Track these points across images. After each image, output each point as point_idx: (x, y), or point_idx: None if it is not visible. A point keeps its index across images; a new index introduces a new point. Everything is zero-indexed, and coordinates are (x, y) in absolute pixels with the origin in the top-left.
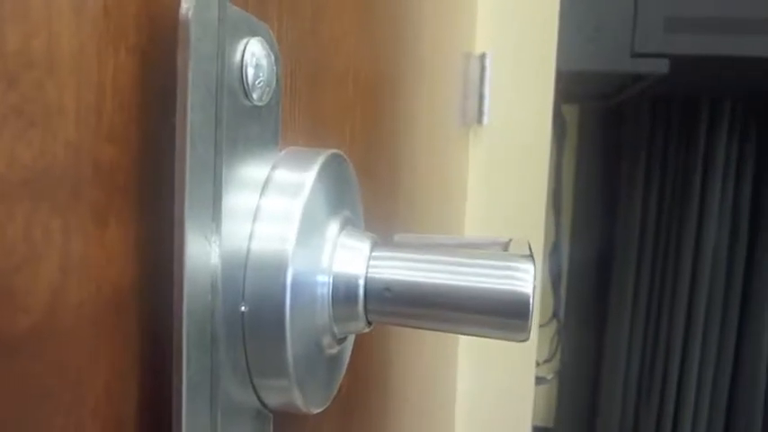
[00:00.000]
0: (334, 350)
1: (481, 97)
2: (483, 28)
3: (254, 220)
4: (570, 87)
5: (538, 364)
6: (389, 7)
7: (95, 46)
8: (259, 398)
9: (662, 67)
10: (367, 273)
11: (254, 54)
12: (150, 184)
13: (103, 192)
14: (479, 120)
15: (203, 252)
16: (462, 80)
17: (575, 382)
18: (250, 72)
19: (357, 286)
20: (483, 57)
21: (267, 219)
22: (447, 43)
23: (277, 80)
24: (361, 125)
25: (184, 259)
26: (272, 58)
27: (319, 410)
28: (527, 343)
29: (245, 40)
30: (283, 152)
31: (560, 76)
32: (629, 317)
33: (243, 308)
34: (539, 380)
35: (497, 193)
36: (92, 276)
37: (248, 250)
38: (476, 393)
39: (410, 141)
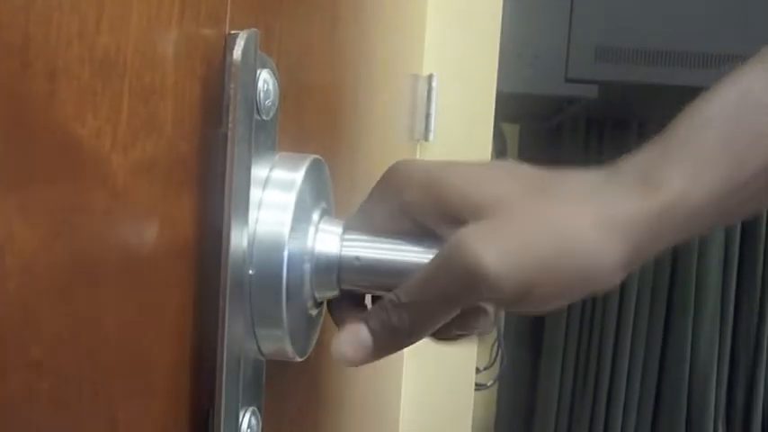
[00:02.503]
0: (314, 312)
1: (428, 115)
2: (430, 51)
3: (259, 208)
4: (511, 107)
5: (478, 371)
6: (350, 34)
7: (182, 78)
8: (258, 345)
9: (592, 92)
10: (341, 250)
11: (265, 81)
12: (205, 171)
13: (182, 173)
14: (426, 137)
15: (241, 226)
16: (411, 99)
17: (513, 389)
18: (263, 95)
19: (333, 260)
20: (430, 78)
21: (269, 207)
22: (398, 65)
23: (278, 101)
24: (330, 136)
25: (231, 231)
26: (276, 84)
27: (302, 359)
28: (468, 351)
29: (259, 71)
30: (278, 156)
31: (501, 97)
32: (564, 324)
33: (251, 271)
34: (479, 386)
35: None
36: (172, 229)
37: (255, 231)
38: (419, 399)
39: (366, 152)
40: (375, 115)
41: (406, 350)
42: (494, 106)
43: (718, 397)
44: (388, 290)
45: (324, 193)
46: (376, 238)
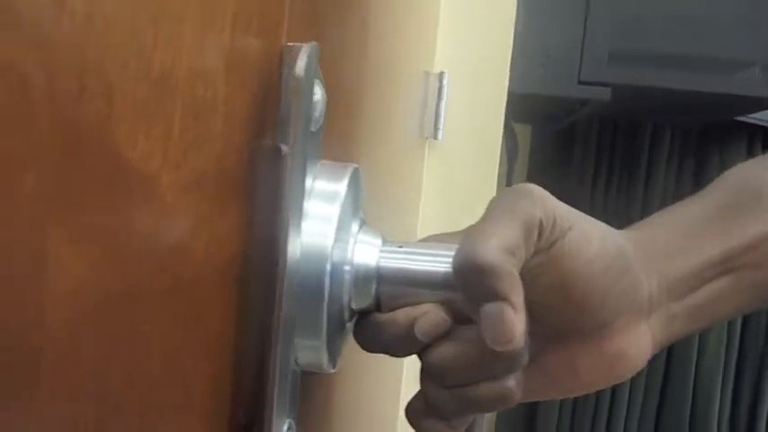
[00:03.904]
0: (348, 324)
1: (438, 114)
2: (443, 49)
3: (304, 218)
4: (522, 108)
5: None
6: (372, 34)
7: (233, 92)
8: (296, 356)
9: (605, 94)
10: (379, 262)
11: (317, 94)
12: (253, 184)
13: (230, 187)
14: (435, 135)
15: (295, 239)
16: (422, 97)
17: None
18: (316, 108)
19: (372, 271)
20: (441, 75)
21: (313, 218)
22: (410, 62)
23: (324, 113)
24: (349, 138)
25: (288, 244)
26: (324, 95)
27: (333, 371)
28: None
29: (314, 85)
30: (319, 165)
31: (513, 97)
32: None
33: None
34: None
35: (449, 203)
36: (217, 245)
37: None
38: None
39: (375, 150)
40: (385, 113)
41: (405, 364)
42: (504, 106)
43: (721, 409)
44: (425, 301)
45: (360, 202)
46: (414, 250)
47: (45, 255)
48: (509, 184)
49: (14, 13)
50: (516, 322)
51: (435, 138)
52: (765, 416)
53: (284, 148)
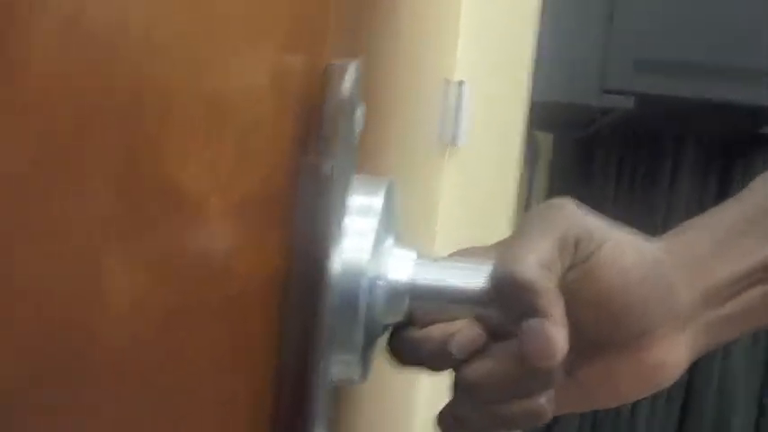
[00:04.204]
0: (380, 338)
1: (457, 121)
2: (464, 57)
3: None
4: (544, 116)
5: None
6: (394, 44)
7: (280, 112)
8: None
9: (628, 103)
10: (413, 277)
11: (358, 112)
12: (297, 201)
13: (275, 205)
14: (455, 142)
15: (336, 255)
16: (442, 104)
17: None
18: (358, 125)
19: (406, 286)
20: (461, 84)
21: (350, 234)
22: (431, 70)
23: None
24: (375, 149)
25: (331, 261)
26: (364, 110)
27: (364, 383)
28: None
29: (357, 103)
30: (354, 178)
31: (535, 105)
32: None
33: None
34: None
35: (468, 210)
36: (263, 262)
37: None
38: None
39: (395, 157)
40: (409, 121)
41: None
42: (525, 114)
43: (746, 414)
44: (459, 317)
45: (396, 215)
46: (449, 264)
47: (100, 273)
48: (529, 192)
49: (80, 33)
50: (558, 337)
51: (455, 145)
52: None
53: (326, 165)
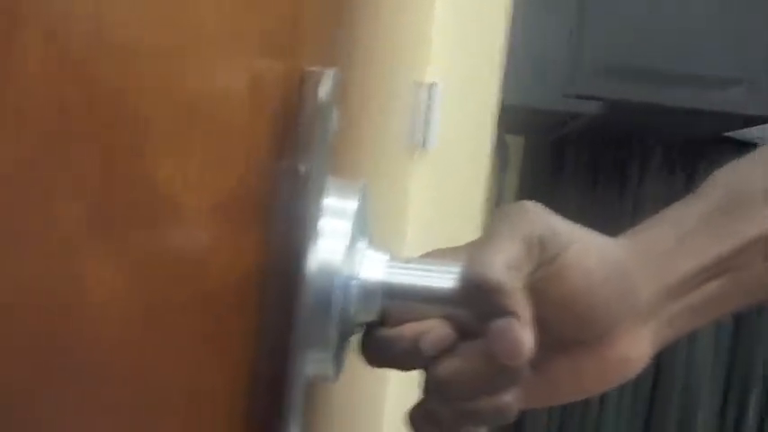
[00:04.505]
0: (352, 337)
1: (427, 124)
2: (434, 59)
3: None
4: (515, 119)
5: None
6: (365, 44)
7: (254, 116)
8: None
9: (596, 108)
10: (385, 277)
11: (334, 115)
12: (273, 204)
13: (251, 207)
14: (425, 144)
15: (312, 256)
16: (413, 106)
17: None
18: (332, 129)
19: (378, 286)
20: (432, 86)
21: (325, 236)
22: (401, 72)
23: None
24: (346, 152)
25: (306, 262)
26: (338, 114)
27: (336, 382)
28: None
29: (333, 109)
30: (328, 180)
31: (505, 109)
32: None
33: None
34: None
35: (438, 211)
36: (239, 262)
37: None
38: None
39: (363, 159)
40: (380, 124)
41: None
42: (495, 117)
43: (709, 410)
44: (430, 316)
45: (369, 218)
46: (420, 266)
47: (81, 273)
48: (500, 194)
49: (58, 43)
50: (525, 336)
51: (425, 147)
52: (751, 418)
53: (302, 168)
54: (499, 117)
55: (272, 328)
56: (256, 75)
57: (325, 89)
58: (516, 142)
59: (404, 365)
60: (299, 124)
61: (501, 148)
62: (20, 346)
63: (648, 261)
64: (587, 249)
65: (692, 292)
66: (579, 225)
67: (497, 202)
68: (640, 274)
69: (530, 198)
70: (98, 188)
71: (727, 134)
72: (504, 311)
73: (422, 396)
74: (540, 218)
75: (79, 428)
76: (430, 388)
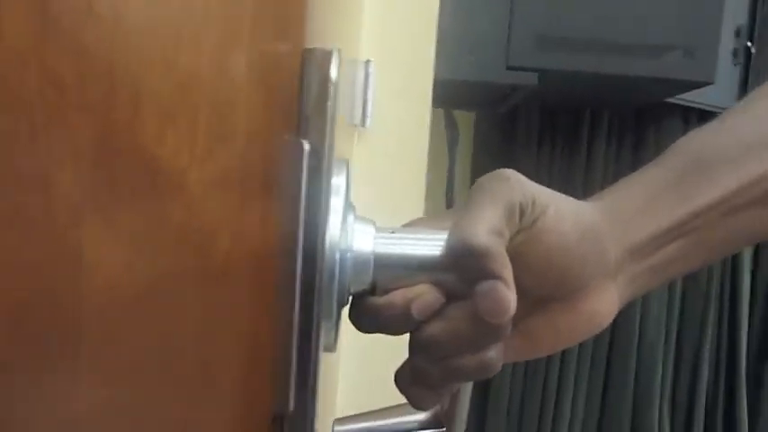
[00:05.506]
0: (346, 307)
1: (365, 101)
2: (368, 36)
3: None
4: (461, 95)
5: None
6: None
7: (254, 91)
8: None
9: (531, 80)
10: (375, 249)
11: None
12: (277, 179)
13: (255, 182)
14: (363, 122)
15: (322, 230)
16: (350, 84)
17: None
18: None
19: (369, 257)
20: (367, 63)
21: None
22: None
23: None
24: None
25: (324, 233)
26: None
27: (334, 351)
28: None
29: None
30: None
31: (443, 84)
32: None
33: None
34: None
35: (378, 189)
36: (245, 236)
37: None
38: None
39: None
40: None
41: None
42: (431, 93)
43: (663, 380)
44: (418, 283)
45: (350, 192)
46: (406, 235)
47: (81, 248)
48: (451, 170)
49: (48, 18)
50: (509, 296)
51: (364, 125)
52: (704, 388)
53: (306, 144)
54: (441, 93)
55: (286, 304)
56: (255, 50)
57: (335, 68)
58: (467, 118)
59: (394, 330)
60: (304, 102)
61: (449, 125)
62: (20, 316)
63: (615, 223)
64: (563, 213)
65: (655, 253)
66: (554, 191)
67: (449, 179)
68: (609, 235)
69: (483, 173)
70: (94, 159)
71: (672, 101)
72: (490, 274)
73: (410, 357)
74: (519, 185)
75: (87, 399)
76: (418, 349)
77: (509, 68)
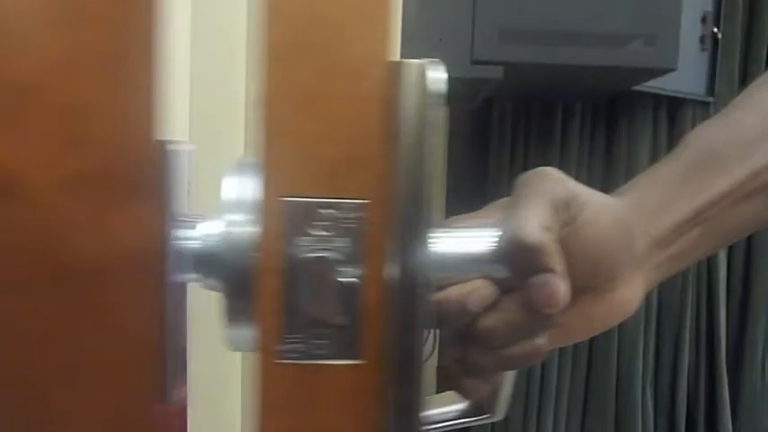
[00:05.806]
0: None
1: None
2: None
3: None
4: None
5: None
6: None
7: (107, 97)
8: None
9: (498, 73)
10: (431, 247)
11: None
12: (148, 181)
13: (120, 185)
14: None
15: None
16: None
17: None
18: None
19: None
20: None
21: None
22: None
23: None
24: None
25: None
26: None
27: None
28: None
29: None
30: None
31: None
32: None
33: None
34: None
35: None
36: (113, 240)
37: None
38: None
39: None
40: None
41: None
42: None
43: (645, 363)
44: (472, 278)
45: None
46: (458, 233)
47: None
48: None
49: None
50: (562, 288)
51: None
52: (686, 370)
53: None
54: None
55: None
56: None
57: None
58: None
59: (450, 323)
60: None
61: None
62: None
63: (639, 218)
64: (600, 209)
65: (675, 242)
66: (590, 188)
67: None
68: (636, 228)
69: (459, 167)
70: None
71: (641, 89)
72: (545, 268)
73: (464, 347)
74: (561, 182)
75: None
76: (473, 340)
77: (474, 63)
